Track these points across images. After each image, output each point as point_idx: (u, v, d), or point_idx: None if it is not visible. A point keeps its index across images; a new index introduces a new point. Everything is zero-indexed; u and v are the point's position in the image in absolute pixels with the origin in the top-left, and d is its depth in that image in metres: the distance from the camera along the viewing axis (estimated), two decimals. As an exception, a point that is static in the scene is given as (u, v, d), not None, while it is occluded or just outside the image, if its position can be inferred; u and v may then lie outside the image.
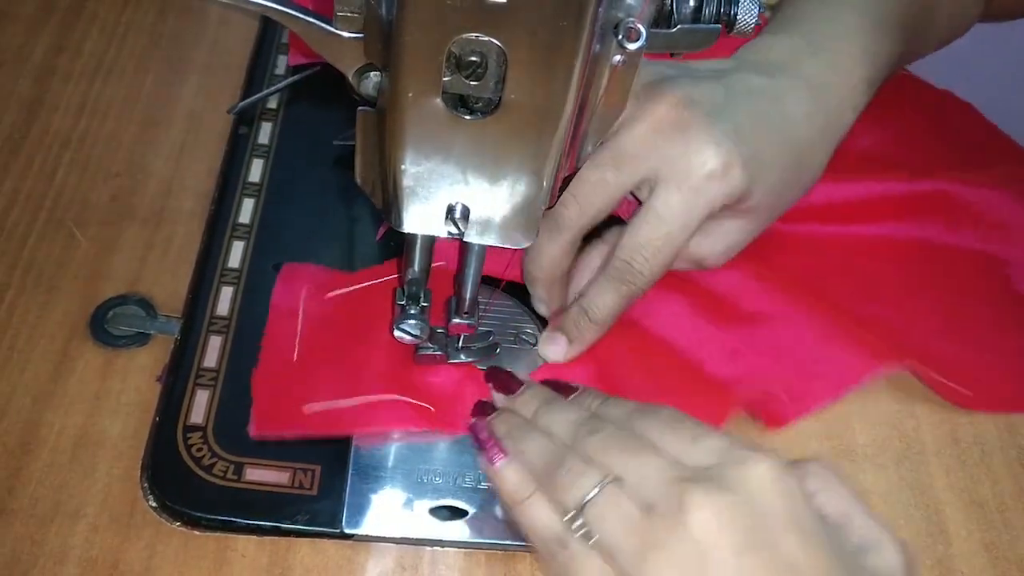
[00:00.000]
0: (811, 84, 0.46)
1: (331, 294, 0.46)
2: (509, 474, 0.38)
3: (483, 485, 0.42)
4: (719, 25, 0.35)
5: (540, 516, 0.37)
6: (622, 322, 0.46)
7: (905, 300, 0.51)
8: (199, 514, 0.40)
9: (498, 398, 0.43)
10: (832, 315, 0.49)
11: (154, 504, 0.40)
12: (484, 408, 0.42)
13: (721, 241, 0.47)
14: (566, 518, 0.35)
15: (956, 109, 0.61)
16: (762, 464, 0.34)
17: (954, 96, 0.62)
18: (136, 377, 0.44)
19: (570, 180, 0.38)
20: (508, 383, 0.43)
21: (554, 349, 0.45)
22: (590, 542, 0.35)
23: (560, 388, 0.42)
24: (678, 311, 0.48)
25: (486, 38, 0.30)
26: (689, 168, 0.42)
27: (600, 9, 0.29)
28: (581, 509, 0.35)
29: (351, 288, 0.47)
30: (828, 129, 0.47)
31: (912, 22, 0.51)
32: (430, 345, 0.44)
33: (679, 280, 0.48)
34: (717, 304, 0.48)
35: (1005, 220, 0.54)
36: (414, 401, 0.43)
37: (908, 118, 0.59)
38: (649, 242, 0.43)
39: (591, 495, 0.35)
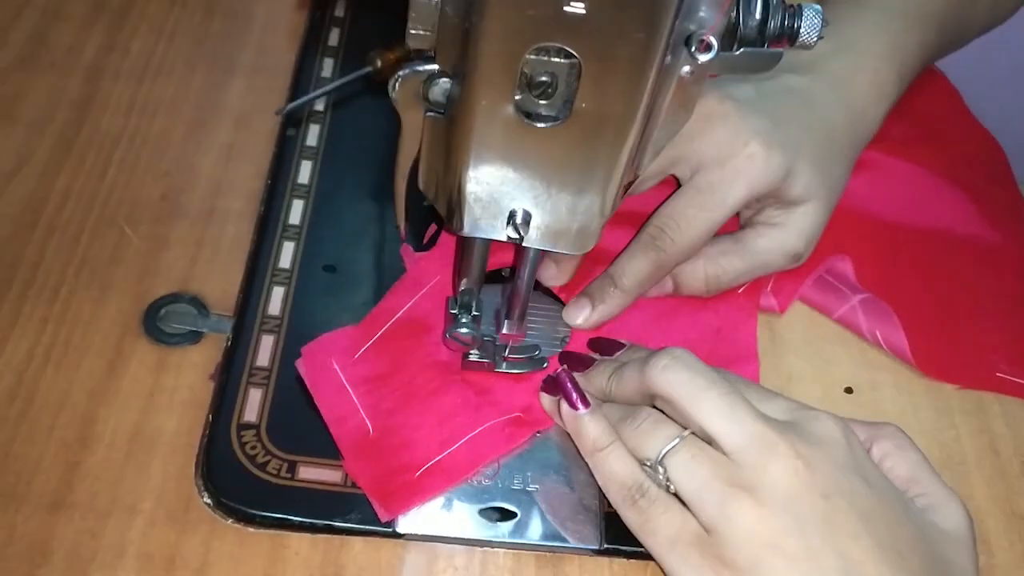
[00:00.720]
0: (836, 80, 0.49)
1: (360, 352, 0.45)
2: (591, 423, 0.40)
3: (532, 487, 0.42)
4: (781, 50, 0.35)
5: (620, 465, 0.38)
6: None
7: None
8: (253, 511, 0.40)
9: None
10: None
11: (209, 501, 0.41)
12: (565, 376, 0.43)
13: (793, 235, 0.47)
14: (649, 464, 0.38)
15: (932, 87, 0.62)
16: (831, 421, 0.38)
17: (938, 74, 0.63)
18: (189, 375, 0.45)
19: (631, 186, 0.38)
20: (581, 361, 0.44)
21: (577, 314, 0.47)
22: (671, 488, 0.37)
23: (607, 345, 0.45)
24: None
25: (557, 59, 0.30)
26: (731, 150, 0.44)
27: (676, 21, 0.30)
28: (662, 457, 0.37)
29: (374, 338, 0.46)
30: (854, 123, 0.49)
31: (948, 11, 0.54)
32: (478, 352, 0.44)
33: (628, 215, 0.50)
34: None
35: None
36: (504, 417, 0.43)
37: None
38: (684, 211, 0.45)
39: (673, 443, 0.37)
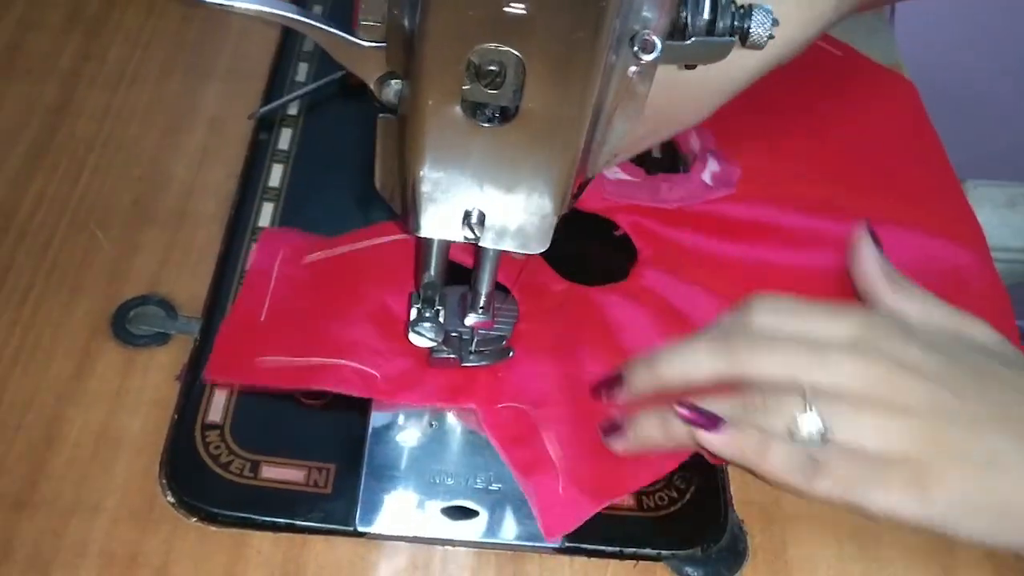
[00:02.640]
0: None
1: (308, 259, 0.48)
2: (743, 437, 0.39)
3: (494, 487, 0.43)
4: (734, 38, 0.35)
5: (787, 454, 0.38)
6: (594, 334, 0.48)
7: None
8: (216, 510, 0.41)
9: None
10: None
11: (172, 500, 0.41)
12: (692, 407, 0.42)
13: None
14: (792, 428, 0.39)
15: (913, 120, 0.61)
16: (877, 314, 0.42)
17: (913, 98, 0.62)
18: (156, 376, 0.45)
19: (585, 186, 0.38)
20: (610, 383, 0.44)
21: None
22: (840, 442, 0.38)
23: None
24: (644, 323, 0.49)
25: (505, 48, 0.30)
26: None
27: (617, 21, 0.30)
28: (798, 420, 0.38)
29: (328, 253, 0.48)
30: None
31: None
32: (444, 348, 0.45)
33: (645, 292, 0.50)
34: (676, 318, 0.49)
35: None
36: (360, 367, 0.44)
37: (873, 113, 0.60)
38: None
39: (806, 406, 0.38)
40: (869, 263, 0.45)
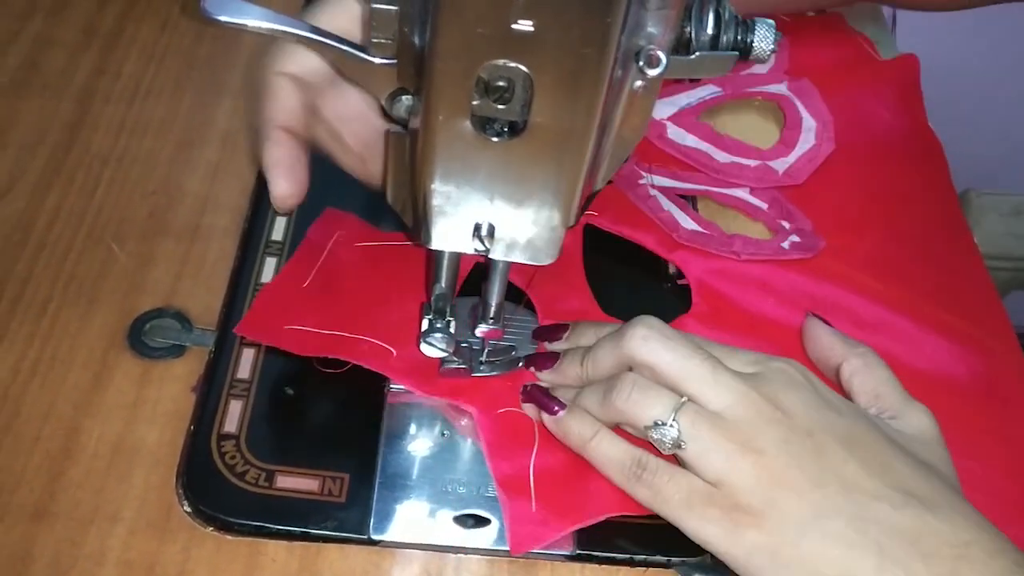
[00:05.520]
0: None
1: (361, 244, 0.51)
2: (572, 420, 0.42)
3: (506, 495, 0.43)
4: (736, 52, 0.36)
5: (613, 448, 0.41)
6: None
7: None
8: (232, 519, 0.41)
9: (544, 377, 0.46)
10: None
11: (189, 509, 0.42)
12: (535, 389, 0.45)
13: None
14: (648, 428, 0.40)
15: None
16: (791, 367, 0.42)
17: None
18: (172, 387, 0.46)
19: (592, 199, 0.39)
20: (548, 359, 0.46)
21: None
22: (671, 447, 0.39)
23: (551, 331, 0.47)
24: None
25: (514, 64, 0.31)
26: None
27: (623, 37, 0.31)
28: (658, 425, 0.40)
29: (380, 244, 0.51)
30: None
31: None
32: (455, 359, 0.45)
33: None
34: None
35: None
36: (379, 343, 0.46)
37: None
38: None
39: (671, 413, 0.39)
40: (824, 336, 0.47)
